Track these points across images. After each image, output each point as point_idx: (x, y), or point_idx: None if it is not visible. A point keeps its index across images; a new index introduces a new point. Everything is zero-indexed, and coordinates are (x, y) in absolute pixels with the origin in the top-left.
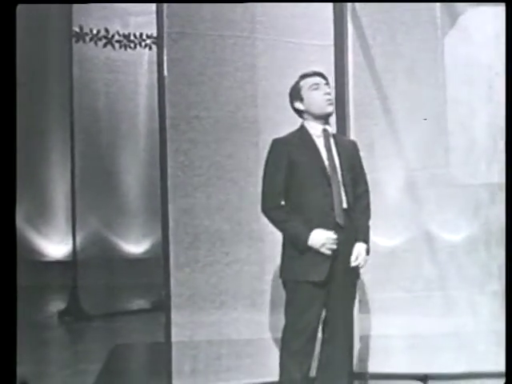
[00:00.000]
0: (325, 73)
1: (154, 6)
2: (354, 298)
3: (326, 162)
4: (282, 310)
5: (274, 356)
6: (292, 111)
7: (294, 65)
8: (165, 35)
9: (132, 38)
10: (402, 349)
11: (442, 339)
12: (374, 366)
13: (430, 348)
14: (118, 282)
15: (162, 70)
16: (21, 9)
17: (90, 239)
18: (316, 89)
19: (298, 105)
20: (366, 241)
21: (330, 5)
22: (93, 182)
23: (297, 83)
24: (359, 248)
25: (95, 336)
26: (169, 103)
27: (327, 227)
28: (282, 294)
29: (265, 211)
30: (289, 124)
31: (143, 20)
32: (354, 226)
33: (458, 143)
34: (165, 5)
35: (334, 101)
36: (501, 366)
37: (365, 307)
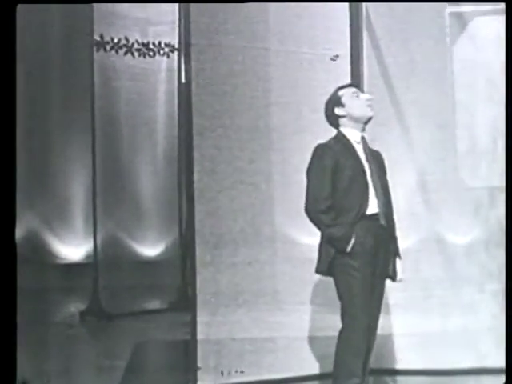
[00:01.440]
0: (341, 81)
1: (172, 15)
2: (383, 293)
3: (367, 167)
4: (302, 307)
5: (294, 352)
6: (308, 120)
7: (313, 74)
8: (191, 47)
9: (151, 46)
10: (410, 346)
11: (447, 337)
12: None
13: (437, 345)
14: (135, 284)
15: (189, 78)
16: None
17: (106, 242)
18: (357, 96)
19: (339, 110)
20: (399, 255)
21: (347, 16)
22: (111, 185)
23: (335, 93)
24: (398, 265)
25: (117, 334)
26: (195, 112)
27: (372, 229)
28: (300, 292)
29: (311, 214)
30: (308, 130)
31: (161, 29)
32: (391, 227)
33: (466, 147)
34: (191, 17)
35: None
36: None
37: None
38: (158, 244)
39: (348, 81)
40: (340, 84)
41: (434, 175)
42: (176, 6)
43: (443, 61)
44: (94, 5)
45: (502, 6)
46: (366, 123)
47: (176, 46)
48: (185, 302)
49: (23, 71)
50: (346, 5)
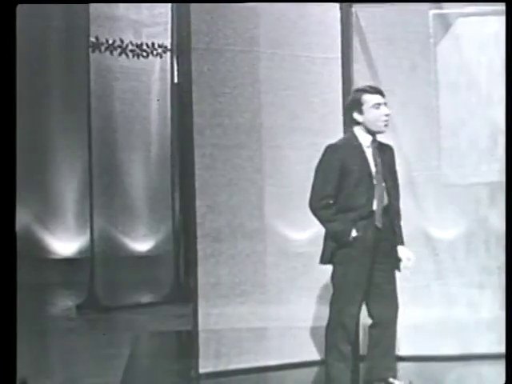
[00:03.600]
0: (332, 82)
1: (165, 17)
2: (394, 286)
3: (373, 171)
4: (296, 298)
5: (289, 340)
6: (301, 119)
7: (306, 76)
8: (192, 51)
9: (144, 47)
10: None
11: (438, 326)
12: None
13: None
14: (129, 278)
15: (189, 79)
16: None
17: (99, 237)
18: (377, 108)
19: (357, 116)
20: (403, 242)
21: (338, 22)
22: (105, 182)
23: (359, 96)
24: (404, 251)
25: (115, 326)
26: (195, 112)
27: (368, 228)
28: (294, 283)
29: (313, 209)
30: (301, 129)
31: (154, 30)
32: (392, 227)
33: (450, 145)
34: (192, 22)
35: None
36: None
37: None
38: (149, 240)
39: (339, 82)
40: (332, 85)
41: (420, 172)
42: (169, 7)
43: (428, 62)
44: (90, 7)
45: (486, 7)
46: (377, 133)
47: (169, 47)
48: (178, 295)
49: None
50: (338, 11)
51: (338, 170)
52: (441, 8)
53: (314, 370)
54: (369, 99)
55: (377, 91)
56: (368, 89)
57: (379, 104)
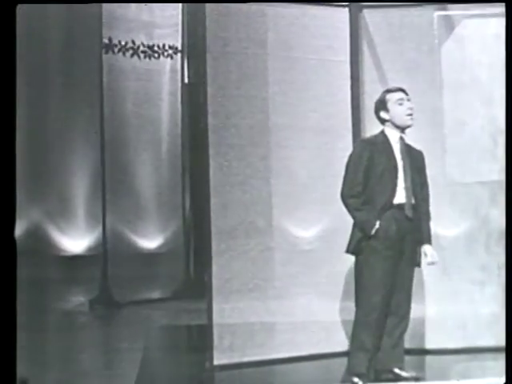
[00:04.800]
0: (341, 83)
1: (175, 19)
2: (412, 280)
3: (400, 164)
4: (306, 293)
5: (298, 334)
6: (312, 120)
7: (316, 78)
8: (207, 54)
9: (156, 48)
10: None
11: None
12: None
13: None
14: (138, 274)
15: (205, 81)
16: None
17: (109, 235)
18: (401, 104)
19: (384, 115)
20: (430, 242)
21: (347, 25)
22: (116, 181)
23: (383, 96)
24: (428, 249)
25: (128, 321)
26: (210, 113)
27: (397, 217)
28: (305, 279)
29: (343, 198)
30: (312, 129)
31: (165, 32)
32: (419, 219)
33: (453, 144)
34: (207, 26)
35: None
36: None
37: None
38: (159, 237)
39: (348, 84)
40: (341, 87)
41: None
42: (180, 9)
43: (433, 63)
44: (103, 10)
45: (490, 9)
46: (405, 128)
47: (179, 48)
48: (189, 291)
49: (27, 71)
50: (347, 15)
51: (366, 161)
52: (445, 10)
53: (323, 362)
54: (392, 97)
55: (398, 89)
56: (390, 88)
57: (402, 99)
